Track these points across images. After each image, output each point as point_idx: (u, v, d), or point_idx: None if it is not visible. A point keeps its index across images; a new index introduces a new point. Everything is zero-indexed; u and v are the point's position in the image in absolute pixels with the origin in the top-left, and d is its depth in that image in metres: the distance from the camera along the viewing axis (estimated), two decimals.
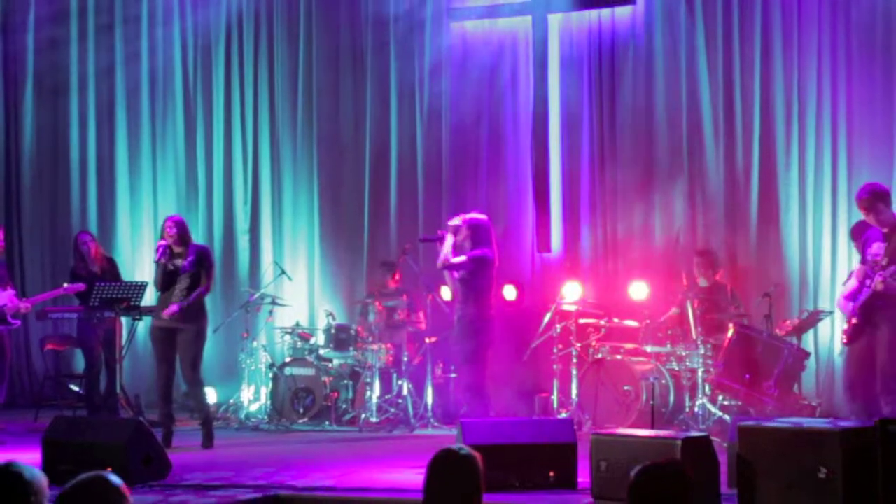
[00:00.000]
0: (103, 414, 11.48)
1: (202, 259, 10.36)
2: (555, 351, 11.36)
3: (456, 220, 10.01)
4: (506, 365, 10.75)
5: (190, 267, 10.24)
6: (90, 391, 12.07)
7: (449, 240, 9.88)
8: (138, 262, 13.92)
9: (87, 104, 14.36)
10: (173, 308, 10.14)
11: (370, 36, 13.43)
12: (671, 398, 10.90)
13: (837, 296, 9.09)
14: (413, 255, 12.16)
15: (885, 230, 8.62)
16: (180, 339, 10.21)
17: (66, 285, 11.75)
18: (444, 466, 4.53)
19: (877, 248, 8.60)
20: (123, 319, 11.57)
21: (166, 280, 10.28)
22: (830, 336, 11.51)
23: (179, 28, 14.14)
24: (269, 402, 12.04)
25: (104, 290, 11.31)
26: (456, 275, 9.88)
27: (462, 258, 9.83)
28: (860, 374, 8.69)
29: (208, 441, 10.22)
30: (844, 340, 9.05)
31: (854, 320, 8.75)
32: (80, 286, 11.72)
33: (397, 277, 12.54)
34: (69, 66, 14.39)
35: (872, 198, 8.65)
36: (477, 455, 4.55)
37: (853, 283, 8.93)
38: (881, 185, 8.94)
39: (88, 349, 12.14)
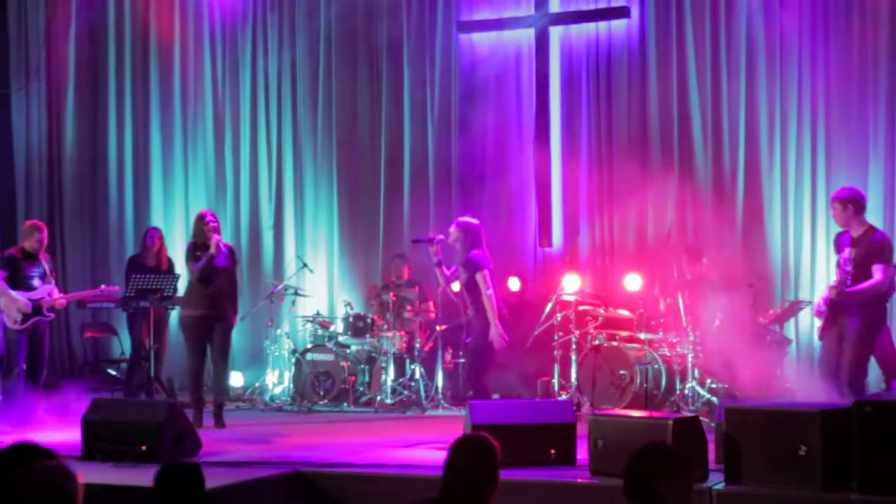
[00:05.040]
0: (140, 396, 11.48)
1: (233, 256, 10.48)
2: (555, 338, 11.37)
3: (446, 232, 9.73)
4: (510, 351, 10.74)
5: (225, 261, 10.27)
6: (131, 375, 12.04)
7: (434, 247, 9.55)
8: (172, 256, 13.89)
9: (124, 109, 14.34)
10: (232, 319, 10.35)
11: (385, 47, 13.42)
12: (663, 382, 10.90)
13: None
14: (424, 248, 12.10)
15: (854, 235, 8.60)
16: (218, 326, 10.13)
17: (103, 287, 11.59)
18: (465, 451, 4.47)
19: (847, 252, 8.58)
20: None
21: (208, 273, 10.15)
22: (810, 325, 11.48)
23: (209, 39, 14.13)
24: (291, 386, 12.06)
25: (139, 281, 11.30)
26: (459, 282, 9.59)
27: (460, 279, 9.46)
28: (831, 359, 8.73)
29: (220, 421, 10.12)
30: (819, 335, 9.07)
31: (823, 317, 8.75)
32: (116, 288, 11.62)
33: (410, 269, 12.58)
34: (107, 74, 14.37)
35: (843, 200, 8.62)
36: (496, 444, 4.49)
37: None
38: (858, 191, 8.91)
39: (134, 337, 12.08)
